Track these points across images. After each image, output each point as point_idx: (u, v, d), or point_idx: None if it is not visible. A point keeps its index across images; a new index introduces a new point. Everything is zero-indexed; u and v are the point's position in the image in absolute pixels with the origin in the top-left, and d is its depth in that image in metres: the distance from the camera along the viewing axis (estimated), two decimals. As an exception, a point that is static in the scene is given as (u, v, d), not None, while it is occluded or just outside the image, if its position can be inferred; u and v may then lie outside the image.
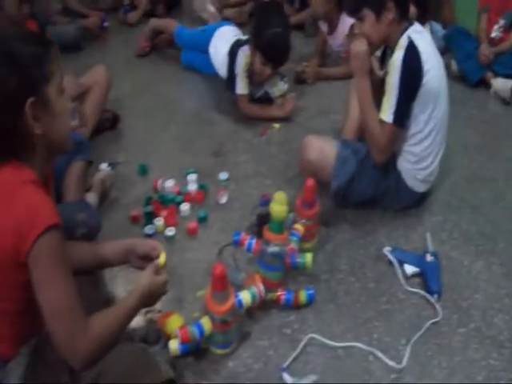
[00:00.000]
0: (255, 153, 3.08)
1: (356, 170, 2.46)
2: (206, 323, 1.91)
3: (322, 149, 2.50)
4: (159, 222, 2.53)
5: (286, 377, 1.89)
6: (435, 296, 2.21)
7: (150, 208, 2.60)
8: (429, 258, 2.31)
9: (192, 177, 2.79)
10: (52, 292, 1.44)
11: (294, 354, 2.00)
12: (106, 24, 4.42)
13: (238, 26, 3.69)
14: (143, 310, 2.08)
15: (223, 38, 3.46)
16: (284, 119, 3.31)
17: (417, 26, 2.34)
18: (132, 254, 1.89)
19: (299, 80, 3.68)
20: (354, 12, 2.37)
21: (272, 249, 2.08)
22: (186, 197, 2.70)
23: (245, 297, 1.97)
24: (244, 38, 3.39)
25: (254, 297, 1.99)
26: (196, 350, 1.99)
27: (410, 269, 2.31)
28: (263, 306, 2.14)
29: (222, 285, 1.86)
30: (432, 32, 3.66)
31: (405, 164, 2.47)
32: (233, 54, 3.30)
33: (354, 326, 2.12)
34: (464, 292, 2.26)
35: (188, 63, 3.85)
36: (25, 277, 1.43)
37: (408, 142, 2.42)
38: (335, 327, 2.12)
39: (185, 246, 2.48)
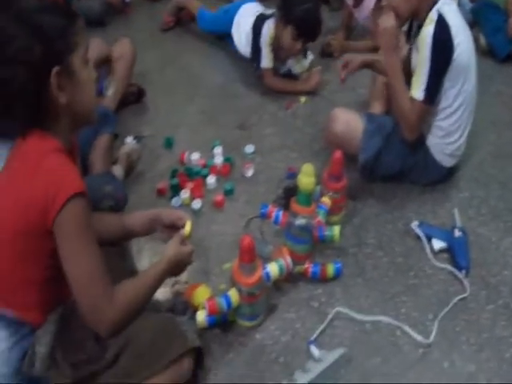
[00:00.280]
0: (281, 126, 3.05)
1: (383, 143, 2.44)
2: (234, 295, 1.91)
3: (349, 122, 2.48)
4: (185, 194, 2.53)
5: (314, 349, 1.89)
6: (463, 272, 2.19)
7: (176, 180, 2.59)
8: (457, 233, 2.29)
9: (218, 150, 2.78)
10: (77, 259, 1.45)
11: (322, 327, 2.00)
12: None
13: (261, 1, 3.64)
14: (170, 282, 2.10)
15: (246, 14, 3.42)
16: (309, 93, 3.28)
17: None
18: (158, 223, 1.89)
19: (325, 53, 3.63)
20: None
21: (299, 221, 2.07)
22: (211, 169, 2.69)
23: (272, 269, 1.96)
24: (268, 12, 3.35)
25: (281, 269, 1.98)
26: (223, 322, 1.99)
27: (437, 244, 2.29)
28: (290, 278, 2.14)
29: (250, 256, 1.85)
30: (459, 5, 3.57)
31: (433, 138, 2.44)
32: (257, 27, 3.26)
33: (381, 301, 2.12)
34: (492, 268, 2.24)
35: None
36: (52, 245, 1.44)
37: (437, 117, 2.39)
38: (363, 301, 2.11)
39: (211, 219, 2.48)
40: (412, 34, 2.46)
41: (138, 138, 2.88)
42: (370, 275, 2.21)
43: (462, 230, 2.31)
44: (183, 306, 2.02)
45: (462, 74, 2.30)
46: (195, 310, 1.96)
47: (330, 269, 2.15)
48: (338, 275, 2.17)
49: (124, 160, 2.62)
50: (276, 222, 2.18)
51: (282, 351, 1.95)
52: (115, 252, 1.89)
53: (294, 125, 3.06)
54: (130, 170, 2.66)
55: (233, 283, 1.95)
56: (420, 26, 2.29)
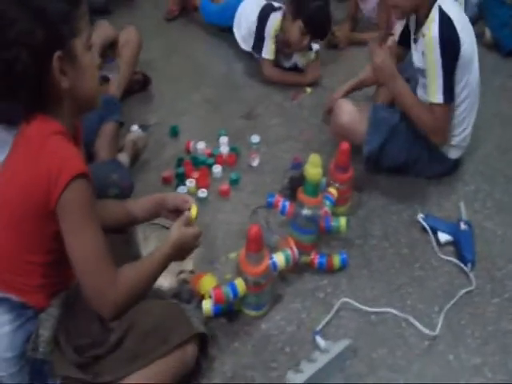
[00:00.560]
0: (287, 116, 3.04)
1: (388, 135, 2.44)
2: (240, 284, 1.90)
3: (354, 113, 2.48)
4: (191, 183, 2.52)
5: (319, 340, 1.89)
6: (469, 265, 2.19)
7: (181, 169, 2.59)
8: (463, 226, 2.29)
9: (223, 139, 2.77)
10: (80, 240, 1.45)
11: (327, 318, 2.00)
12: None
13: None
14: (176, 271, 2.10)
15: (250, 7, 3.40)
16: (315, 84, 3.27)
17: None
18: (163, 207, 1.89)
19: (331, 45, 3.62)
20: None
21: (306, 211, 2.06)
22: (217, 159, 2.69)
23: (279, 259, 1.96)
24: (276, 4, 3.33)
25: (288, 259, 1.98)
26: (229, 311, 1.99)
27: (443, 236, 2.29)
28: (296, 269, 2.13)
29: (257, 246, 1.85)
30: (466, -1, 3.59)
31: (438, 130, 2.44)
32: (263, 17, 3.25)
33: (387, 292, 2.12)
34: (498, 262, 2.24)
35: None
36: (55, 227, 1.45)
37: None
38: (368, 292, 2.11)
39: (217, 208, 2.47)
40: (411, 32, 2.46)
41: (143, 127, 2.87)
42: (375, 266, 2.21)
43: (467, 223, 2.31)
44: (189, 295, 2.02)
45: (468, 67, 2.30)
46: (201, 298, 1.96)
47: (336, 260, 2.15)
48: (343, 266, 2.17)
49: (130, 148, 2.61)
50: (283, 212, 2.17)
51: (287, 341, 1.95)
52: (120, 239, 1.89)
53: (300, 115, 3.05)
54: (135, 158, 2.65)
55: (239, 272, 1.95)
56: (421, 24, 2.30)
